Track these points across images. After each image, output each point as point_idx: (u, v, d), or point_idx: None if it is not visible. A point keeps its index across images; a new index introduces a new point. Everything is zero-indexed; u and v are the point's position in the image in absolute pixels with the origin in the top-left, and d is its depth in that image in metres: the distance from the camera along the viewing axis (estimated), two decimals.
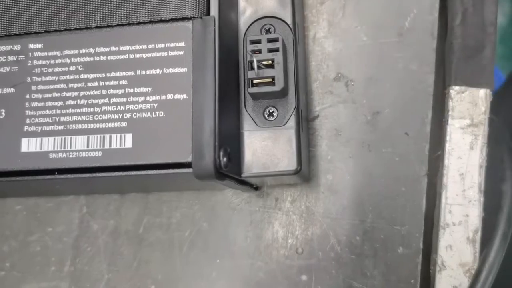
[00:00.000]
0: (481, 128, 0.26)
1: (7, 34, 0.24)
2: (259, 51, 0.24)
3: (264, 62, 0.24)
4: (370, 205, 0.29)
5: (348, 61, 0.30)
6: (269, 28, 0.25)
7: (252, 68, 0.24)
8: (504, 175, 0.26)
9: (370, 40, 0.30)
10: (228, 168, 0.22)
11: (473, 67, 0.27)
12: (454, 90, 0.27)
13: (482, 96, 0.26)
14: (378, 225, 0.28)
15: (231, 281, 0.29)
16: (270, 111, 0.25)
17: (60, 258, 0.30)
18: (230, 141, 0.23)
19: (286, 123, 0.24)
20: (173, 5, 0.22)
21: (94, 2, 0.23)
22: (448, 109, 0.27)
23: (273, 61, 0.24)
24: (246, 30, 0.25)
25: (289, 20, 0.25)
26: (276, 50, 0.23)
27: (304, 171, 0.26)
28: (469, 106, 0.26)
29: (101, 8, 0.23)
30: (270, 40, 0.24)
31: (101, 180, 0.23)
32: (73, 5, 0.23)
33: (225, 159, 0.22)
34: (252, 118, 0.24)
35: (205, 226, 0.30)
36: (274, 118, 0.25)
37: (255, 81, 0.24)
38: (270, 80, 0.24)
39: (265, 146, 0.24)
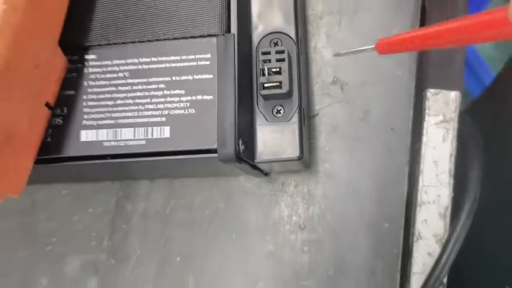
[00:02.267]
0: (451, 123, 0.30)
1: (68, 47, 0.27)
2: (269, 61, 0.27)
3: (273, 70, 0.27)
4: (361, 189, 0.32)
5: (343, 67, 0.33)
6: (277, 42, 0.28)
7: (264, 75, 0.27)
8: (470, 163, 0.29)
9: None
10: (245, 154, 0.26)
11: (445, 74, 0.30)
12: (430, 92, 0.31)
13: (452, 97, 0.30)
14: (367, 205, 0.32)
15: (245, 253, 0.32)
16: (278, 109, 0.28)
17: (99, 235, 0.33)
18: (246, 133, 0.27)
19: (290, 119, 0.28)
20: (201, 24, 0.26)
21: (137, 21, 0.27)
22: (425, 108, 0.31)
23: (280, 69, 0.27)
24: (258, 43, 0.28)
25: (293, 35, 0.28)
26: (283, 60, 0.27)
27: (306, 159, 0.29)
28: (442, 105, 0.30)
29: (144, 26, 0.27)
30: (277, 52, 0.27)
31: (142, 164, 0.26)
32: (120, 23, 0.27)
33: (242, 146, 0.25)
34: (263, 115, 0.28)
35: (222, 207, 0.33)
36: (281, 115, 0.28)
37: (265, 85, 0.28)
38: (278, 84, 0.27)
39: (274, 138, 0.28)
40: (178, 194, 0.33)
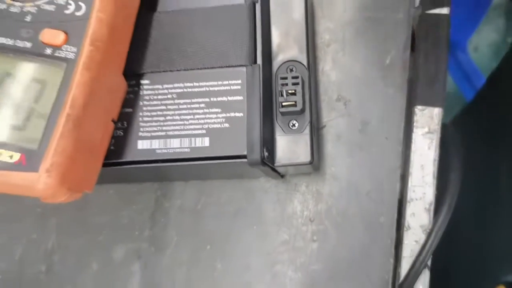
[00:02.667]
0: (435, 134, 0.32)
1: (127, 74, 0.30)
2: (286, 84, 0.31)
3: (289, 91, 0.31)
4: (360, 188, 0.34)
5: (346, 87, 0.35)
6: (292, 68, 0.31)
7: (282, 95, 0.30)
8: (450, 167, 0.32)
9: (362, 72, 0.35)
10: (267, 159, 0.29)
11: (430, 93, 0.33)
12: (417, 109, 0.33)
13: (436, 112, 0.33)
14: (366, 202, 0.34)
15: (264, 241, 0.34)
16: (293, 123, 0.31)
17: (141, 227, 0.36)
18: (268, 142, 0.30)
19: (303, 131, 0.31)
20: (234, 57, 0.29)
21: (183, 53, 0.30)
22: (414, 121, 0.33)
23: (295, 91, 0.30)
24: (277, 69, 0.31)
25: (305, 63, 0.32)
26: (297, 83, 0.30)
27: (315, 163, 0.31)
28: (428, 119, 0.33)
29: (188, 57, 0.30)
30: (293, 77, 0.31)
31: (186, 168, 0.30)
32: (169, 55, 0.30)
33: (266, 153, 0.29)
34: (281, 128, 0.31)
35: (245, 203, 0.35)
36: (295, 128, 0.31)
37: (283, 104, 0.31)
38: (293, 103, 0.30)
39: (290, 146, 0.31)
40: (208, 193, 0.35)
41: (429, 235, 0.31)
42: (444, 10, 0.33)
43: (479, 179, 0.49)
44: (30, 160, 0.24)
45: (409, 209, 0.32)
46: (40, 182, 0.24)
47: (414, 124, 0.33)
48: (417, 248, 0.31)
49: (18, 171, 0.24)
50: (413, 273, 0.31)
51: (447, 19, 0.33)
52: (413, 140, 0.33)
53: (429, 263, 0.31)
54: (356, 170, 0.35)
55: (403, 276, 0.31)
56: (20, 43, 0.26)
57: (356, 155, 0.35)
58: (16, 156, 0.24)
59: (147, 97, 0.30)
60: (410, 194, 0.32)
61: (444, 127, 0.33)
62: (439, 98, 0.33)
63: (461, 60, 0.99)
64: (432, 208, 0.32)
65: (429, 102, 0.33)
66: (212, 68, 0.30)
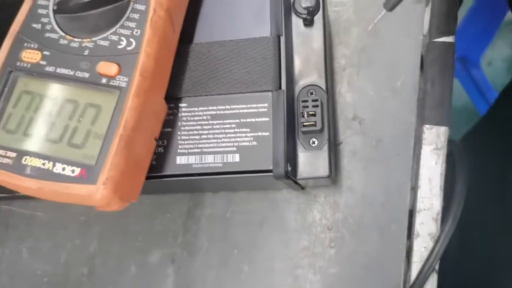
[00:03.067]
0: (442, 151, 0.35)
1: (168, 98, 0.32)
2: (307, 106, 0.33)
3: (310, 113, 0.33)
4: (374, 199, 0.36)
5: (361, 107, 0.38)
6: (312, 92, 0.34)
7: (303, 116, 0.33)
8: (456, 179, 0.34)
9: (375, 94, 0.38)
10: (291, 173, 0.31)
11: (437, 114, 0.35)
12: (426, 128, 0.35)
13: (443, 131, 0.35)
14: (379, 212, 0.36)
15: (286, 247, 0.36)
16: (313, 140, 0.33)
17: (175, 234, 0.38)
18: (291, 158, 0.32)
19: (322, 147, 0.33)
20: (261, 83, 0.32)
21: (216, 80, 0.33)
22: (422, 139, 0.35)
23: (315, 112, 0.33)
24: (299, 93, 0.34)
25: (324, 87, 0.34)
26: (317, 106, 0.33)
27: (333, 177, 0.34)
28: (435, 137, 0.35)
29: (220, 83, 0.33)
30: (313, 100, 0.33)
31: (218, 180, 0.33)
32: (204, 81, 0.33)
33: (289, 168, 0.31)
34: (303, 145, 0.33)
35: (269, 212, 0.37)
36: (315, 145, 0.33)
37: (304, 124, 0.33)
38: (313, 123, 0.33)
39: (310, 161, 0.33)
40: (236, 203, 0.38)
41: (436, 242, 0.33)
42: (450, 39, 0.37)
43: (490, 191, 0.51)
44: (89, 174, 0.28)
45: (418, 219, 0.35)
46: (98, 193, 0.28)
47: (423, 141, 0.35)
48: (425, 254, 0.34)
49: (79, 184, 0.28)
50: (422, 276, 0.33)
51: (452, 47, 0.36)
52: (422, 156, 0.35)
53: (436, 267, 0.34)
54: (370, 182, 0.36)
55: (413, 279, 0.34)
56: (79, 74, 0.30)
57: (370, 169, 0.37)
58: (77, 171, 0.28)
59: (184, 118, 0.33)
60: (419, 205, 0.35)
61: (451, 143, 0.36)
62: (445, 119, 0.36)
63: (475, 75, 1.01)
64: (439, 217, 0.34)
65: (436, 122, 0.36)
66: (242, 93, 0.33)
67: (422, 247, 0.34)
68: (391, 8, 0.30)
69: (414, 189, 0.36)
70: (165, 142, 0.33)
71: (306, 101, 0.34)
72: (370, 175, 0.37)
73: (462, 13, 0.93)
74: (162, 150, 0.33)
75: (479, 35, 1.00)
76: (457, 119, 0.93)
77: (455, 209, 0.34)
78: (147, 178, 0.32)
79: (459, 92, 1.00)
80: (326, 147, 0.33)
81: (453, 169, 0.36)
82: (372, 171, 0.37)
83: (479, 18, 0.97)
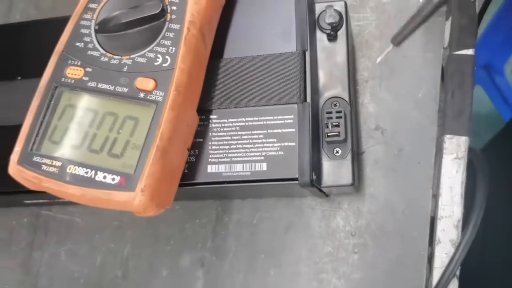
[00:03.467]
0: (462, 160, 0.35)
1: (199, 110, 0.34)
2: (331, 118, 0.34)
3: (334, 124, 0.34)
4: (396, 206, 0.37)
5: (383, 117, 0.39)
6: (336, 103, 0.35)
7: (327, 127, 0.34)
8: (476, 188, 0.35)
9: (397, 105, 0.39)
10: (315, 181, 0.33)
11: (457, 125, 0.36)
12: (447, 137, 0.35)
13: (463, 141, 0.35)
14: (401, 218, 0.37)
15: (311, 252, 0.38)
16: (337, 150, 0.35)
17: (204, 238, 0.40)
18: (316, 167, 0.33)
19: (346, 157, 0.34)
20: (287, 96, 0.33)
21: (244, 93, 0.34)
22: (443, 148, 0.35)
23: (338, 123, 0.34)
24: (323, 104, 0.35)
25: (347, 99, 0.35)
26: (340, 117, 0.34)
27: (356, 185, 0.35)
28: (455, 147, 0.35)
29: (248, 96, 0.34)
30: (336, 111, 0.35)
31: (246, 188, 0.34)
32: (233, 94, 0.34)
33: (314, 176, 0.32)
34: (327, 154, 0.34)
35: (294, 218, 0.39)
36: (339, 154, 0.35)
37: (328, 134, 0.34)
38: (337, 133, 0.34)
39: (334, 170, 0.34)
40: (263, 209, 0.39)
41: (457, 248, 0.34)
42: (470, 51, 0.37)
43: None
44: (128, 182, 0.30)
45: (440, 226, 0.35)
46: (136, 200, 0.30)
47: (444, 151, 0.35)
48: (447, 260, 0.34)
49: (119, 191, 0.30)
50: (444, 282, 0.33)
51: (472, 59, 0.37)
52: (443, 165, 0.35)
53: (457, 273, 0.34)
54: (392, 190, 0.38)
55: (434, 285, 0.34)
56: (119, 89, 0.32)
57: (392, 178, 0.38)
58: (117, 179, 0.31)
59: (215, 129, 0.35)
60: (440, 212, 0.35)
61: (472, 152, 0.36)
62: (465, 129, 0.36)
63: (499, 83, 1.01)
64: (460, 224, 0.34)
65: (456, 132, 0.36)
66: (269, 105, 0.34)
67: (443, 253, 0.34)
68: (398, 43, 0.32)
69: (435, 196, 0.36)
70: (197, 152, 0.35)
71: (330, 112, 0.35)
72: (392, 183, 0.38)
73: (486, 21, 0.93)
74: (194, 159, 0.35)
75: (503, 42, 1.00)
76: (481, 126, 0.93)
77: (476, 216, 0.34)
78: (180, 185, 0.34)
79: (483, 100, 1.00)
80: (349, 156, 0.35)
81: (474, 177, 0.36)
82: (394, 179, 0.38)
83: (503, 26, 0.97)
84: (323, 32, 0.37)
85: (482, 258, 0.35)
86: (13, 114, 0.36)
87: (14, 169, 0.31)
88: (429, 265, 0.35)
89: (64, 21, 0.34)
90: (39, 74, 0.34)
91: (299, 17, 0.35)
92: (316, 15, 0.37)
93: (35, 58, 0.38)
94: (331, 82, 0.36)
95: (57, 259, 0.44)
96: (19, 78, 0.39)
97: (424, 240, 0.36)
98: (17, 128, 0.33)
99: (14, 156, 0.31)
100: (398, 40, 0.32)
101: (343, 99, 0.36)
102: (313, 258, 0.38)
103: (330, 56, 0.37)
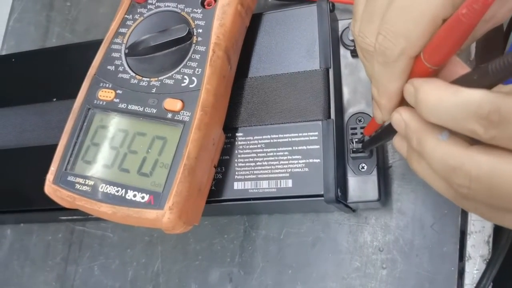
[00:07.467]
0: None
1: (225, 128, 0.35)
2: (356, 133, 0.35)
3: (359, 139, 0.35)
4: (424, 221, 0.36)
5: None
6: (360, 119, 0.35)
7: (352, 143, 0.34)
8: None
9: None
10: (341, 197, 0.33)
11: None
12: None
13: None
14: (430, 234, 0.36)
15: (339, 267, 0.38)
16: (362, 166, 0.35)
17: (232, 253, 0.40)
18: (341, 183, 0.34)
19: (371, 172, 0.34)
20: (312, 114, 0.34)
21: (269, 111, 0.35)
22: None
23: (364, 139, 0.34)
24: (348, 120, 0.36)
25: (371, 114, 0.35)
26: None
27: (383, 200, 0.35)
28: None
29: (273, 114, 0.35)
30: (361, 127, 0.35)
31: (272, 204, 0.35)
32: (258, 113, 0.36)
33: (340, 193, 0.33)
34: (352, 170, 0.35)
35: (321, 234, 0.39)
36: (364, 170, 0.35)
37: (353, 150, 0.34)
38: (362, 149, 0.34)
39: (360, 186, 0.34)
40: (289, 225, 0.39)
41: (488, 264, 0.34)
42: None
43: None
44: (156, 200, 0.31)
45: (470, 241, 0.35)
46: (165, 217, 0.31)
47: None
48: (478, 276, 0.34)
49: (148, 209, 0.31)
50: None
51: None
52: None
53: None
54: (420, 205, 0.37)
55: None
56: (148, 110, 0.34)
57: (419, 192, 0.37)
58: (147, 197, 0.32)
59: (241, 147, 0.36)
60: (470, 227, 0.35)
61: None
62: None
63: None
64: (491, 240, 0.34)
65: None
66: (294, 122, 0.35)
67: (474, 269, 0.34)
68: (365, 148, 0.33)
69: (464, 211, 0.36)
70: (223, 169, 0.36)
71: (355, 128, 0.35)
72: (420, 198, 0.37)
73: None
74: (221, 176, 0.36)
75: None
76: None
77: (508, 232, 0.34)
78: (207, 202, 0.35)
79: None
80: (375, 172, 0.35)
81: None
82: (422, 193, 0.37)
83: None
84: (347, 48, 0.37)
85: None
86: (49, 135, 0.38)
87: (50, 189, 0.33)
88: (460, 282, 0.35)
89: (96, 44, 0.36)
90: (73, 95, 0.35)
91: (322, 35, 0.36)
92: (340, 32, 0.38)
93: (69, 80, 0.39)
94: (355, 98, 0.37)
95: (91, 273, 0.45)
96: (54, 99, 0.41)
97: (455, 256, 0.35)
98: (52, 148, 0.34)
99: (50, 176, 0.33)
100: (367, 146, 0.33)
101: (368, 114, 0.36)
102: (341, 274, 0.38)
103: (354, 72, 0.37)
